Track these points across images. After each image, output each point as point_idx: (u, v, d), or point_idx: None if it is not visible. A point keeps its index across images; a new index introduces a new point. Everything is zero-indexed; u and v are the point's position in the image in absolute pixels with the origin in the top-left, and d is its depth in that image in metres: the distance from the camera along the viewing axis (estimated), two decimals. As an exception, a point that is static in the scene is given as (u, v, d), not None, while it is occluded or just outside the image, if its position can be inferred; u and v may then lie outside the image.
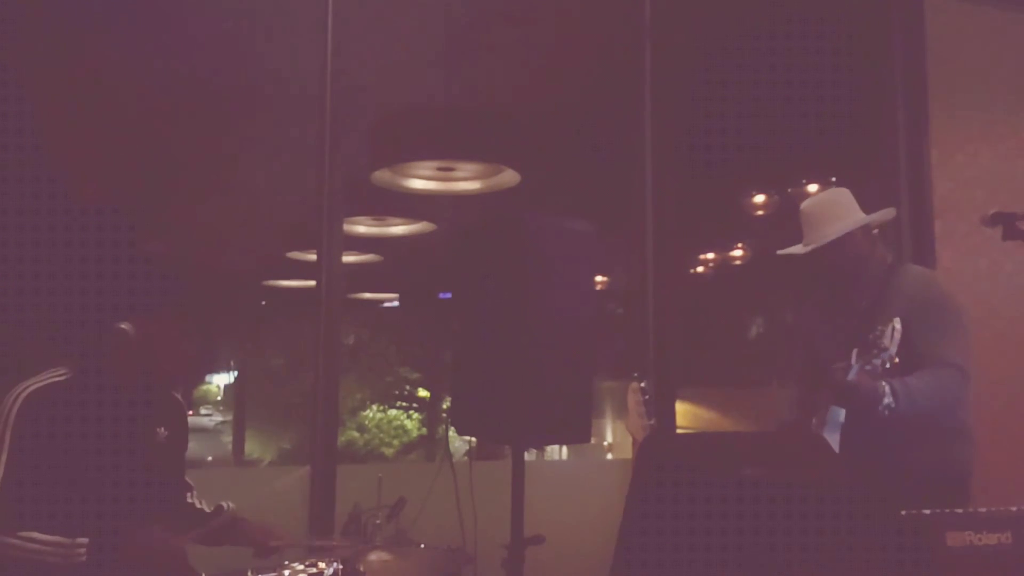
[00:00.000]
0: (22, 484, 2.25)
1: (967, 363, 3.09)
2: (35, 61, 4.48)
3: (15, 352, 4.11)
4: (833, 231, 3.22)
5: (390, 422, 15.53)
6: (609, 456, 12.70)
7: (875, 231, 3.36)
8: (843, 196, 3.34)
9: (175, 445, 2.62)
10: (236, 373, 16.23)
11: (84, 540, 2.22)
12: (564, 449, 10.23)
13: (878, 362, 2.90)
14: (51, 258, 4.40)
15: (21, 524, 2.21)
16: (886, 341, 2.89)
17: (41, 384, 2.36)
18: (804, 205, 3.37)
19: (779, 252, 3.45)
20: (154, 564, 2.27)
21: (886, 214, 3.41)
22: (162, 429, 2.55)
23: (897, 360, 2.91)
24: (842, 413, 3.01)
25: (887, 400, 2.93)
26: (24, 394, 2.32)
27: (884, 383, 2.94)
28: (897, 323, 2.88)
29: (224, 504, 2.67)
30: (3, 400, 2.33)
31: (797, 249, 3.36)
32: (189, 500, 2.69)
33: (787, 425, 3.31)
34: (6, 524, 2.21)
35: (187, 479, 2.71)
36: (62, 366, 2.43)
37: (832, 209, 3.30)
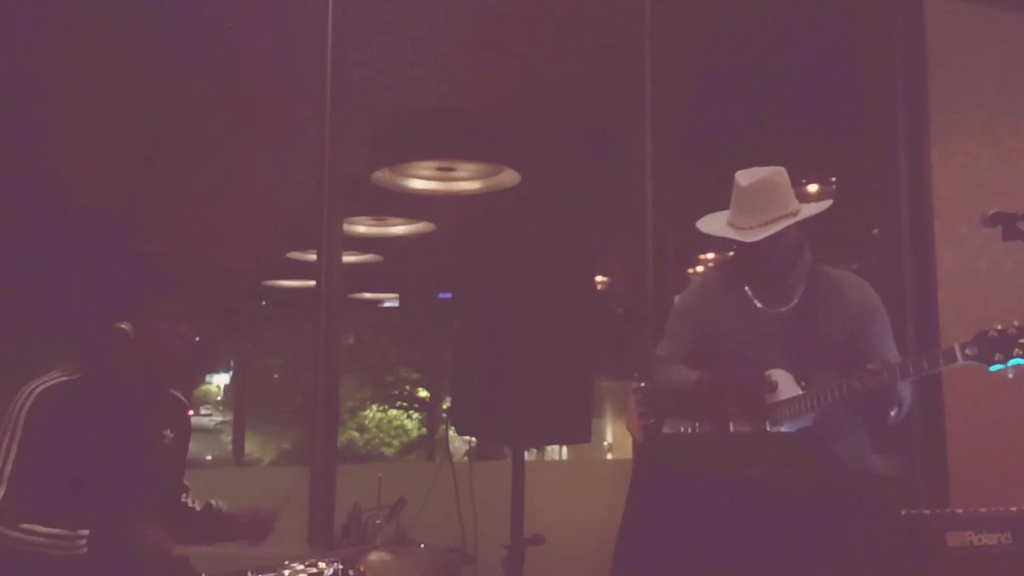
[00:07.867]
0: (29, 480, 2.27)
1: None
2: (35, 59, 4.48)
3: (14, 352, 4.10)
4: (785, 217, 2.89)
5: (390, 422, 15.50)
6: (609, 456, 12.68)
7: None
8: (785, 177, 3.00)
9: (179, 448, 2.63)
10: (236, 373, 16.21)
11: (85, 532, 2.24)
12: (564, 449, 10.22)
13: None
14: (51, 258, 4.39)
15: (25, 518, 2.23)
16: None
17: (52, 383, 2.38)
18: (746, 183, 2.93)
19: (718, 233, 2.98)
20: (153, 564, 2.28)
21: (824, 206, 3.07)
22: (168, 431, 2.56)
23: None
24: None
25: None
26: (36, 392, 2.35)
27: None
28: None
29: (213, 501, 2.67)
30: (14, 397, 2.35)
31: (741, 235, 2.90)
32: (183, 500, 2.69)
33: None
34: (11, 517, 2.23)
35: (184, 481, 2.71)
36: (70, 366, 2.44)
37: (780, 191, 2.96)
